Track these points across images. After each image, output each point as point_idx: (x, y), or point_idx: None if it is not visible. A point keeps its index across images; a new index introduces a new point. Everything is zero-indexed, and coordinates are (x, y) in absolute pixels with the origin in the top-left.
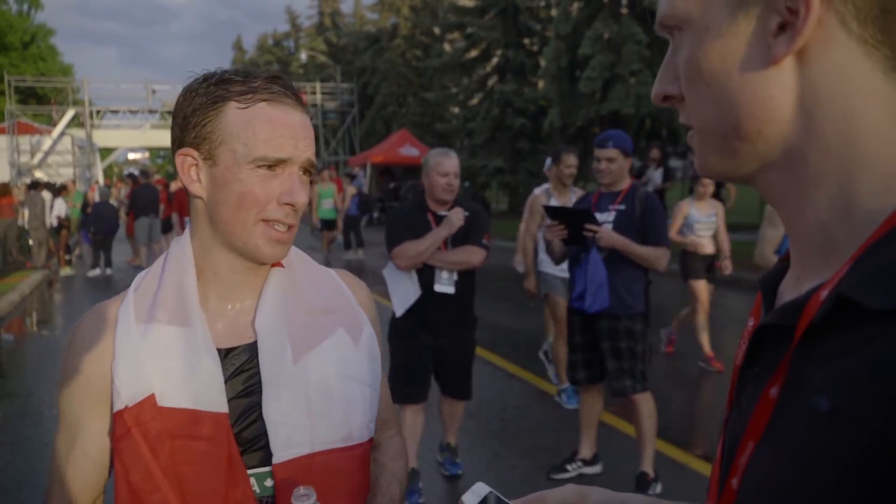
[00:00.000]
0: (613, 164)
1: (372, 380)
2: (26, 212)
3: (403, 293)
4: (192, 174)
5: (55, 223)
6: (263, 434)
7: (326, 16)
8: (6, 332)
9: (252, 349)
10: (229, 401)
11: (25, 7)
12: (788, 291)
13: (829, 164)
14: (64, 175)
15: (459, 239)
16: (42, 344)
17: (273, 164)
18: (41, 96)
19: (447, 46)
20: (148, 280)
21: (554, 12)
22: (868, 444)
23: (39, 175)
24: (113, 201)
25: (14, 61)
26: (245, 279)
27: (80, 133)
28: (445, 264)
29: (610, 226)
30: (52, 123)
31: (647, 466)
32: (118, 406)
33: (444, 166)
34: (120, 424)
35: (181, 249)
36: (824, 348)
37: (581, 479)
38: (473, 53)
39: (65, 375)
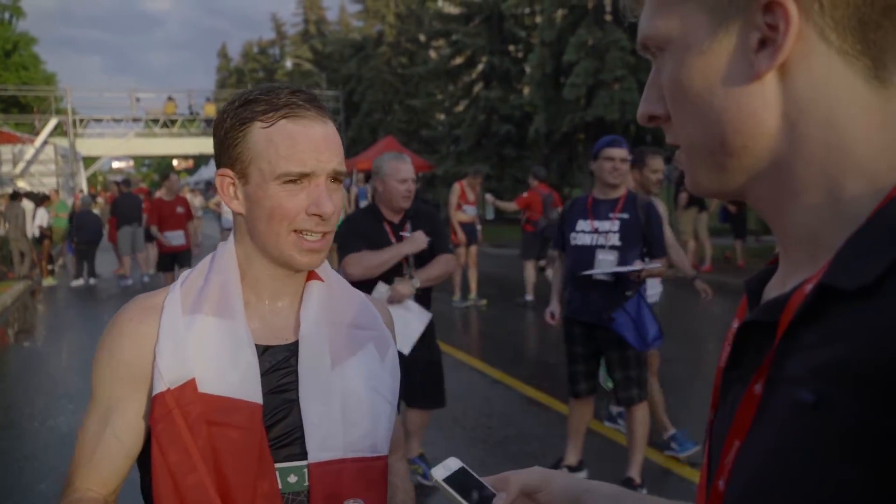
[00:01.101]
0: (625, 165)
1: (392, 397)
2: (7, 223)
3: (404, 325)
4: (231, 192)
5: (37, 233)
6: (292, 431)
7: (311, 23)
8: None
9: (288, 350)
10: (263, 395)
11: (7, 15)
12: (773, 292)
13: (815, 172)
14: (47, 184)
15: (425, 252)
16: (24, 355)
17: (297, 178)
18: (24, 105)
19: (432, 53)
20: (194, 277)
21: (538, 19)
22: (853, 431)
23: (22, 184)
24: (96, 210)
25: None
26: (283, 285)
27: (63, 142)
28: (431, 282)
29: (616, 235)
30: (35, 132)
31: (635, 472)
32: (160, 388)
33: (403, 172)
34: (160, 406)
35: (227, 254)
36: (805, 340)
37: None
38: (459, 60)
39: (103, 357)
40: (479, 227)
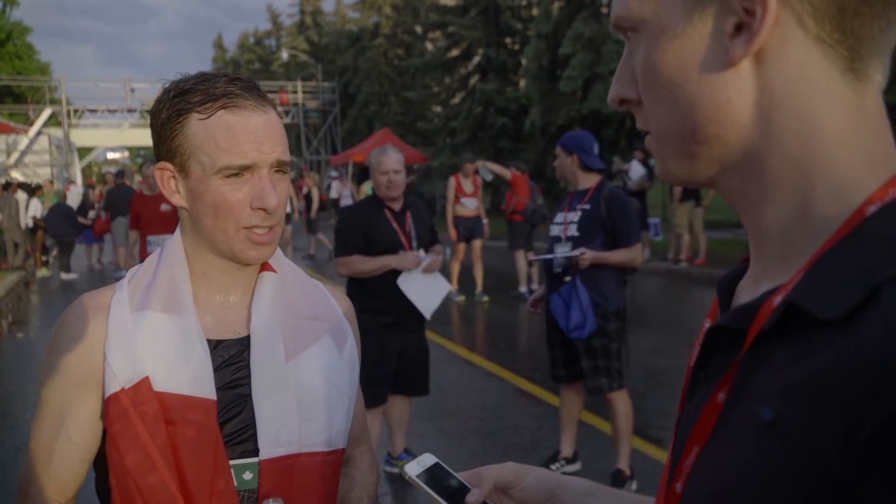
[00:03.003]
0: (556, 161)
1: (350, 390)
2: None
3: (424, 293)
4: (172, 186)
5: (31, 224)
6: (245, 428)
7: (308, 14)
8: None
9: (241, 344)
10: (217, 391)
11: (1, 4)
12: (745, 293)
13: (788, 168)
14: (41, 175)
15: (425, 237)
16: (18, 346)
17: (239, 172)
18: (18, 95)
19: (429, 45)
20: (142, 273)
21: (535, 11)
22: (805, 457)
23: (16, 175)
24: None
25: None
26: (234, 279)
27: (57, 132)
28: (434, 269)
29: (575, 226)
30: (29, 123)
31: (623, 464)
32: (113, 388)
33: (384, 165)
34: (115, 406)
35: (175, 247)
36: (772, 356)
37: None
38: (455, 52)
39: (52, 361)
40: (485, 220)
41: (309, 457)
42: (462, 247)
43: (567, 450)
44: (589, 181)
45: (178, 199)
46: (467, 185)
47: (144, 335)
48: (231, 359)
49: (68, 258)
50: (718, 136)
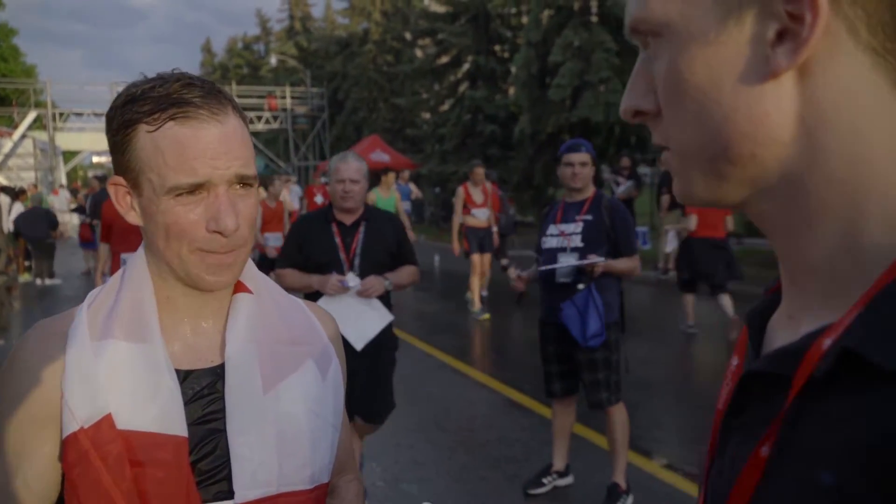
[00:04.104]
0: (586, 169)
1: (335, 419)
2: None
3: (354, 321)
4: (128, 203)
5: (13, 228)
6: (221, 466)
7: (297, 20)
8: None
9: (213, 373)
10: (188, 426)
11: None
12: (781, 332)
13: (834, 193)
14: (25, 179)
15: (380, 258)
16: (0, 351)
17: (192, 190)
18: (2, 98)
19: (418, 52)
20: (103, 296)
21: (525, 20)
22: None
23: (0, 178)
24: (74, 205)
25: None
26: (202, 303)
27: (42, 136)
28: (397, 287)
29: (578, 236)
30: (13, 125)
31: (619, 478)
32: (71, 428)
33: (341, 172)
34: (74, 448)
35: (139, 268)
36: (825, 408)
37: (555, 492)
38: (444, 59)
39: (4, 397)
40: (494, 229)
41: (290, 496)
42: (478, 259)
43: (559, 463)
44: (589, 191)
45: (134, 218)
46: (477, 195)
47: (106, 367)
48: (203, 390)
49: (50, 263)
50: (754, 154)
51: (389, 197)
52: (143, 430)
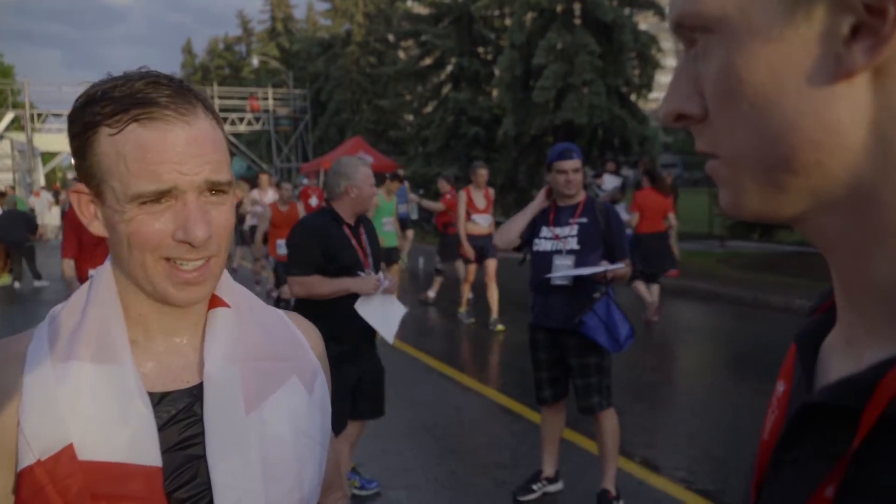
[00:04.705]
0: (578, 175)
1: (322, 437)
2: None
3: (384, 317)
4: (91, 212)
5: None
6: (201, 494)
7: (279, 21)
8: None
9: (190, 394)
10: (162, 453)
11: None
12: (838, 359)
13: None
14: (3, 180)
15: (378, 256)
16: None
17: (157, 198)
18: None
19: (401, 54)
20: (67, 313)
21: (508, 22)
22: None
23: None
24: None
25: None
26: (175, 320)
27: (20, 137)
28: (392, 291)
29: (574, 239)
30: None
31: (609, 484)
32: (27, 461)
33: (371, 178)
34: (29, 483)
35: (105, 282)
36: None
37: (544, 498)
38: (428, 61)
39: None
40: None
41: None
42: (473, 268)
43: (549, 469)
44: (579, 196)
45: (98, 228)
46: (479, 200)
47: (69, 392)
48: (180, 414)
49: (33, 265)
50: (821, 163)
51: (391, 201)
52: (109, 461)
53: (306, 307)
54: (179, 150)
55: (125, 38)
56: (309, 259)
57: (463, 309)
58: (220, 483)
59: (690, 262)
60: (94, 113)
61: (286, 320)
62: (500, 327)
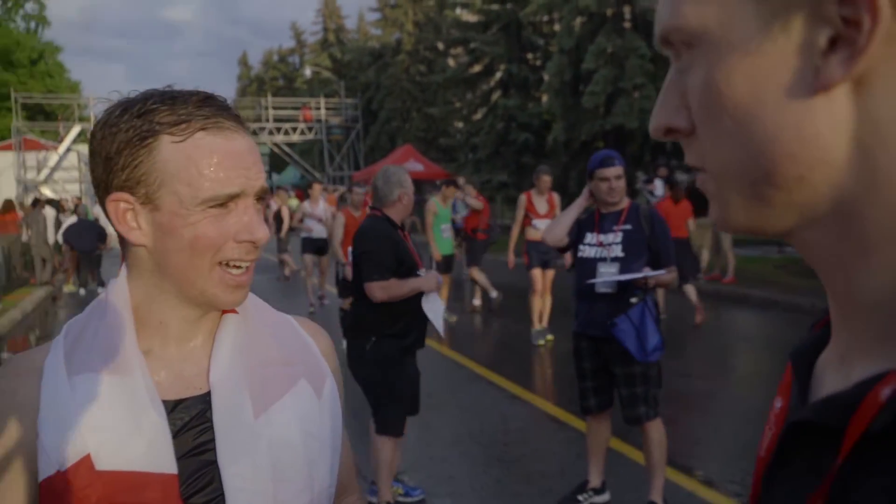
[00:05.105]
0: (621, 182)
1: (333, 439)
2: (29, 229)
3: (436, 310)
4: (130, 221)
5: (61, 240)
6: (217, 499)
7: (331, 31)
8: (8, 350)
9: (204, 401)
10: (178, 460)
11: (33, 25)
12: (831, 375)
13: (895, 224)
14: (70, 191)
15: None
16: None
17: (225, 202)
18: (48, 113)
19: (451, 61)
20: (80, 327)
21: (557, 27)
22: None
23: (46, 191)
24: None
25: (22, 78)
26: (194, 326)
27: (86, 149)
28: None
29: (619, 246)
30: (59, 140)
31: (657, 496)
32: (47, 472)
33: (412, 186)
34: (50, 493)
35: (118, 294)
36: (885, 466)
37: None
38: (477, 68)
39: None
40: None
41: None
42: (539, 274)
43: (595, 480)
44: (623, 203)
45: (138, 237)
46: (541, 205)
47: (84, 403)
48: (193, 420)
49: (97, 272)
50: (802, 178)
51: (447, 207)
52: (126, 470)
53: (380, 311)
54: (245, 157)
55: (185, 52)
56: (386, 263)
57: (537, 327)
58: (231, 486)
59: (747, 269)
60: (153, 122)
61: (295, 326)
62: (549, 337)
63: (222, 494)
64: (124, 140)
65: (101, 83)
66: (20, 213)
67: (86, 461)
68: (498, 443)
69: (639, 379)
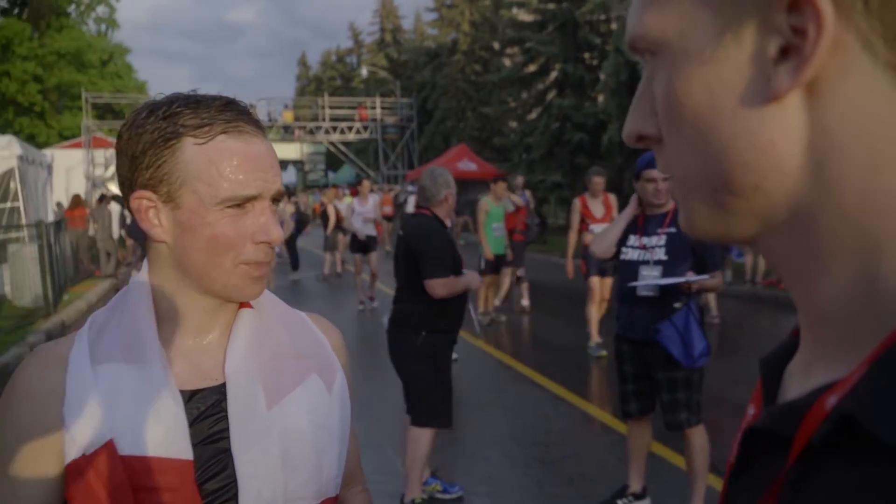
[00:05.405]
0: (668, 183)
1: (342, 432)
2: (96, 223)
3: (471, 308)
4: (152, 218)
5: (125, 234)
6: (227, 487)
7: (388, 32)
8: None
9: (220, 392)
10: (194, 447)
11: (104, 27)
12: (795, 382)
13: (848, 231)
14: None
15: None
16: None
17: (242, 203)
18: (117, 112)
19: (506, 61)
20: (103, 319)
21: (614, 26)
22: None
23: (112, 188)
24: None
25: (92, 79)
26: (213, 318)
27: None
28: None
29: (662, 250)
30: None
31: (699, 503)
32: (73, 455)
33: (455, 186)
34: (76, 476)
35: (139, 288)
36: (829, 476)
37: None
38: (532, 68)
39: (4, 424)
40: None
41: None
42: (597, 283)
43: (636, 484)
44: (668, 205)
45: (159, 233)
46: (597, 208)
47: (106, 392)
48: (209, 410)
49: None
50: (758, 186)
51: (500, 206)
52: (146, 455)
53: (433, 306)
54: (264, 161)
55: (247, 52)
56: (446, 260)
57: (595, 339)
58: (243, 472)
59: None
60: (177, 124)
61: (307, 321)
62: (603, 353)
63: (235, 481)
64: (149, 141)
65: (167, 83)
66: (88, 209)
67: (108, 446)
68: (539, 444)
69: (681, 384)
